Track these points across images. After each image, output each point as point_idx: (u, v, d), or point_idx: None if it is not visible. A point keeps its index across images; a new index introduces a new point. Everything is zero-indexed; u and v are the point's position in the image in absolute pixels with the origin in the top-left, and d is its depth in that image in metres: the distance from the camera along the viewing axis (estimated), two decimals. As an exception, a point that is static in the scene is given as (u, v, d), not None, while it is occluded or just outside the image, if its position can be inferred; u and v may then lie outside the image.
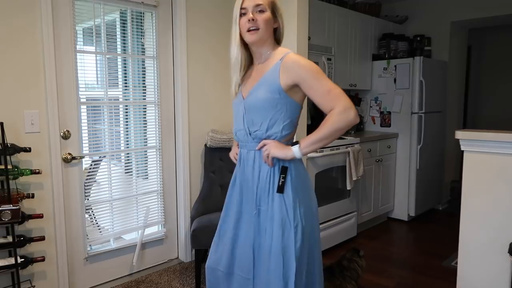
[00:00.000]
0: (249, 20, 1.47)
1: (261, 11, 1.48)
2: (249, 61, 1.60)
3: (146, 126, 2.89)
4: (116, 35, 2.68)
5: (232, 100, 1.65)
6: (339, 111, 1.40)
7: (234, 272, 1.62)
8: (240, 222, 1.62)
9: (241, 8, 1.50)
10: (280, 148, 1.48)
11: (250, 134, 1.55)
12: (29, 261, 2.19)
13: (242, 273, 1.59)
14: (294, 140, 1.58)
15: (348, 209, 3.53)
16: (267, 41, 1.53)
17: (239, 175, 1.63)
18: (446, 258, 3.24)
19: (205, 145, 3.06)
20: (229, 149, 2.54)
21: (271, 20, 1.50)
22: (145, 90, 2.85)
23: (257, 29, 1.47)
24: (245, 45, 1.54)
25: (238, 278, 1.60)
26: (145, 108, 2.87)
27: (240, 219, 1.62)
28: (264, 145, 1.51)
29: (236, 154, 1.74)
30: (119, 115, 2.75)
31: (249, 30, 1.48)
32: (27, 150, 2.16)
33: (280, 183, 1.49)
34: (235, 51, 1.54)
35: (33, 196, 2.19)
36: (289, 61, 1.47)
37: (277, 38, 1.58)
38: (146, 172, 2.92)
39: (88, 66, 2.54)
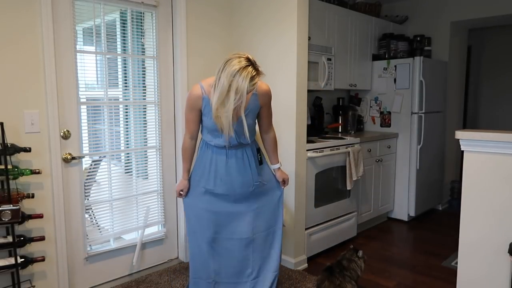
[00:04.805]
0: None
1: None
2: None
3: (146, 126, 2.89)
4: (116, 35, 2.68)
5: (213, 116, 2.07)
6: (275, 135, 2.37)
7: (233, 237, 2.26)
8: (236, 202, 2.24)
9: None
10: (286, 174, 2.41)
11: (242, 142, 2.16)
12: (29, 261, 2.19)
13: (242, 235, 2.24)
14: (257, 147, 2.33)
15: (348, 209, 3.53)
16: None
17: (225, 172, 2.18)
18: (446, 258, 3.24)
19: (205, 145, 3.06)
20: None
21: None
22: (145, 90, 2.85)
23: None
24: None
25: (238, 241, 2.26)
26: (145, 108, 2.87)
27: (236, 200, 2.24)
28: (284, 180, 2.37)
29: (184, 186, 2.30)
30: (119, 115, 2.75)
31: None
32: (27, 150, 2.16)
33: (259, 159, 2.30)
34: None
35: (33, 196, 2.19)
36: (263, 91, 2.15)
37: None
38: (146, 172, 2.92)
39: (88, 66, 2.55)
